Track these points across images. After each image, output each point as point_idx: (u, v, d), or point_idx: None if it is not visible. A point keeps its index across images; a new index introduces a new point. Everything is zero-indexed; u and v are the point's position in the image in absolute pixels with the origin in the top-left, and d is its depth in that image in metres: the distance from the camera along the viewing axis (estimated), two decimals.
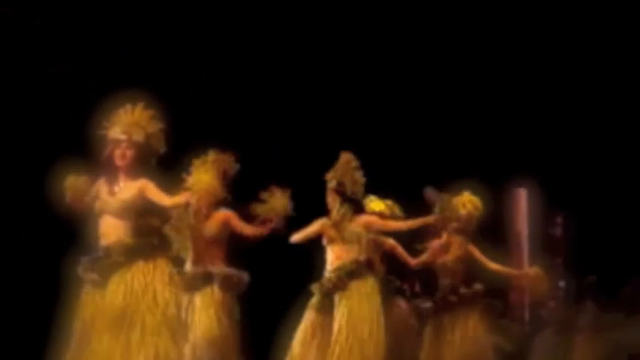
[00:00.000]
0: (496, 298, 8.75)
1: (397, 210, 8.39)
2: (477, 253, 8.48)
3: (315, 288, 7.36)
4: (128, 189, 6.14)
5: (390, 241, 8.27)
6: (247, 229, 7.06)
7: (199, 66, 9.83)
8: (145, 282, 5.99)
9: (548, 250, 10.77)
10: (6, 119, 8.87)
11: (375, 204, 8.26)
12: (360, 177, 7.45)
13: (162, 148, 6.26)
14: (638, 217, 10.99)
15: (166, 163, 6.38)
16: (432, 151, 10.88)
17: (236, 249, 7.19)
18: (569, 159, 11.25)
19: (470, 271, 8.45)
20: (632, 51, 11.12)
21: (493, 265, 8.61)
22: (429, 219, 7.60)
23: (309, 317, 7.32)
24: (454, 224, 8.32)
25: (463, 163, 10.90)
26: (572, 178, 11.13)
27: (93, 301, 6.04)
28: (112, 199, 6.13)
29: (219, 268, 7.03)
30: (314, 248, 7.49)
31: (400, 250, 8.35)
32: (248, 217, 7.08)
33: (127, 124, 6.13)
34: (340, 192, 7.40)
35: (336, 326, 7.12)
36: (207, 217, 7.09)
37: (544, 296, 8.93)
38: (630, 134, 11.31)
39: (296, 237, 7.42)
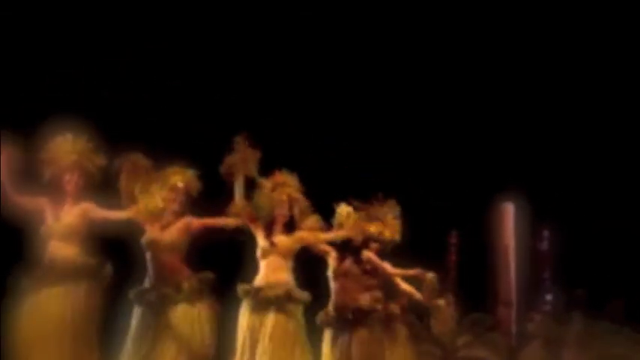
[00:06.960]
0: (484, 312, 8.80)
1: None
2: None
3: (245, 296, 7.25)
4: (72, 213, 6.48)
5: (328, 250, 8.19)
6: (210, 221, 6.94)
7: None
8: (81, 302, 6.34)
9: (535, 264, 10.83)
10: None
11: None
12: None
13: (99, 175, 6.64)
14: (624, 230, 11.07)
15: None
16: (419, 166, 10.93)
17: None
18: (555, 174, 11.34)
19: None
20: (618, 68, 11.23)
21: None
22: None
23: (242, 326, 7.22)
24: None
25: (451, 178, 10.98)
26: (559, 192, 11.21)
27: (34, 314, 6.31)
28: (57, 224, 6.45)
29: (186, 279, 6.73)
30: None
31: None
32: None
33: (76, 153, 6.53)
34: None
35: (265, 340, 7.05)
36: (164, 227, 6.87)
37: (445, 326, 8.74)
38: (616, 150, 11.42)
39: None
